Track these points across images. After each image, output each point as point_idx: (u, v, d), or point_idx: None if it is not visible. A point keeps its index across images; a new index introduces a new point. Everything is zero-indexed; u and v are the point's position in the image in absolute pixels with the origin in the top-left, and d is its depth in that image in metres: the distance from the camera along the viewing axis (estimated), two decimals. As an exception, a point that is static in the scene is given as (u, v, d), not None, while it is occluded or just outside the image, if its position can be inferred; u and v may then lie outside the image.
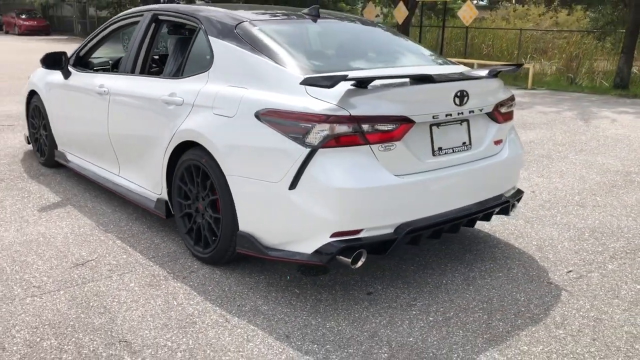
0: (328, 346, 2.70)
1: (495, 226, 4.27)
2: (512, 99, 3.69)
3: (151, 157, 3.86)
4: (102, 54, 5.50)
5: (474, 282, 3.40)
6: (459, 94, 3.19)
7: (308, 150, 2.88)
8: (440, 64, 3.92)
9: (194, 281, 3.31)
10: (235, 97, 3.22)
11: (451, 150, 3.29)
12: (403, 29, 17.09)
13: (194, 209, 3.56)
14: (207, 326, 2.85)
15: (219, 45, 3.54)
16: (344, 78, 2.81)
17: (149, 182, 3.97)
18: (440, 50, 17.72)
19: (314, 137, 2.87)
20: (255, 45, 3.40)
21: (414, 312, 3.03)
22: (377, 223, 2.99)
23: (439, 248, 3.86)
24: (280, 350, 2.66)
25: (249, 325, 2.87)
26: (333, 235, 2.92)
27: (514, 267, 3.60)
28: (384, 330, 2.86)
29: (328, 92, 2.93)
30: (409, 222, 3.07)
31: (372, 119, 2.91)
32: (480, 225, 4.22)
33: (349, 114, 2.86)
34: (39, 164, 5.72)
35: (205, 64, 3.59)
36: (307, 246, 2.97)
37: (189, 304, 3.06)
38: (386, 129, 2.95)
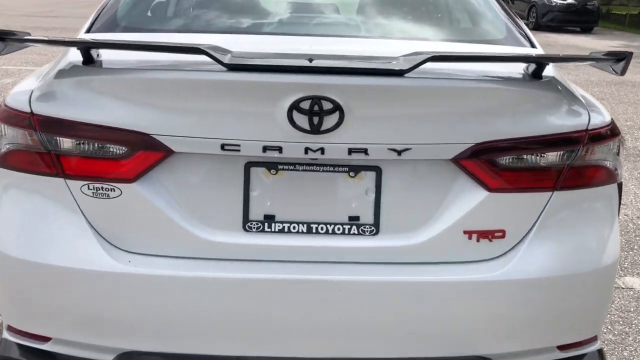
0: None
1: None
2: (582, 138, 1.61)
3: None
4: None
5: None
6: (301, 104, 1.46)
7: None
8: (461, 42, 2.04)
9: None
10: None
11: (304, 228, 1.60)
12: None
13: None
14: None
15: None
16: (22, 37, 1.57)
17: None
18: None
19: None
20: None
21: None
22: (77, 336, 1.66)
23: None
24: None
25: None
26: (9, 329, 1.76)
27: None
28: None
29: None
30: (144, 353, 1.63)
31: (72, 126, 1.54)
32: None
33: (29, 112, 1.57)
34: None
35: None
36: None
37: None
38: (98, 153, 1.56)
